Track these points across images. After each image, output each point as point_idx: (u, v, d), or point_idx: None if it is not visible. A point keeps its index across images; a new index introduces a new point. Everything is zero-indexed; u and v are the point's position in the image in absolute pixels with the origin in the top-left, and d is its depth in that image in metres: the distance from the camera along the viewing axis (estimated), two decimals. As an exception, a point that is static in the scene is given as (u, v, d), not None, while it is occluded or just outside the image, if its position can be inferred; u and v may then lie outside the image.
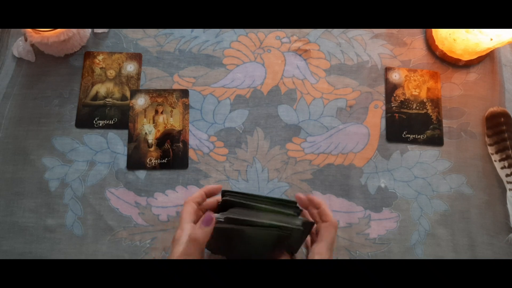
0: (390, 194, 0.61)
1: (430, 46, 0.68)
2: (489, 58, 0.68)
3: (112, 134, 0.62)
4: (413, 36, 0.69)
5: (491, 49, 0.64)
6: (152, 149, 0.62)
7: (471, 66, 0.67)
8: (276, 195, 0.61)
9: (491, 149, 0.63)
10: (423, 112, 0.65)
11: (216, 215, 0.47)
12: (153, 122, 0.63)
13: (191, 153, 0.62)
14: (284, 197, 0.61)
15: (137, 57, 0.66)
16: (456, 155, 0.63)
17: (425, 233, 0.60)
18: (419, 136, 0.64)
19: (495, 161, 0.63)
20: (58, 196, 0.60)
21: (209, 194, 0.53)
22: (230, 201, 0.50)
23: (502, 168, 0.62)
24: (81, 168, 0.61)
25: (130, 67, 0.65)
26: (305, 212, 0.53)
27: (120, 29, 0.67)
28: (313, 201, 0.51)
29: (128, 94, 0.64)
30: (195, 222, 0.48)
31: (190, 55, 0.66)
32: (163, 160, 0.61)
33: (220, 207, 0.52)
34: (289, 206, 0.50)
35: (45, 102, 0.63)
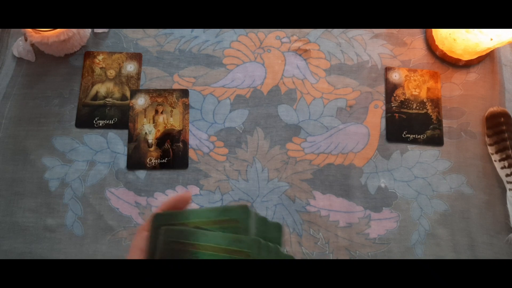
0: (390, 194, 0.61)
1: (430, 46, 0.68)
2: (489, 58, 0.68)
3: (112, 134, 0.62)
4: (413, 36, 0.69)
5: (491, 49, 0.64)
6: (152, 149, 0.62)
7: (471, 66, 0.67)
8: (276, 195, 0.61)
9: (491, 149, 0.63)
10: (423, 112, 0.65)
11: None
12: (153, 122, 0.63)
13: (191, 153, 0.62)
14: (284, 197, 0.61)
15: (137, 57, 0.66)
16: (456, 155, 0.63)
17: (425, 233, 0.60)
18: (419, 136, 0.64)
19: (495, 161, 0.63)
20: (58, 196, 0.60)
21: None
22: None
23: (502, 168, 0.62)
24: (81, 168, 0.61)
25: (130, 67, 0.65)
26: None
27: (120, 29, 0.67)
28: None
29: (128, 94, 0.64)
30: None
31: (190, 55, 0.66)
32: (163, 160, 0.61)
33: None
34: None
35: (45, 102, 0.63)
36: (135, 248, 0.37)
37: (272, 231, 0.38)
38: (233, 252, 0.35)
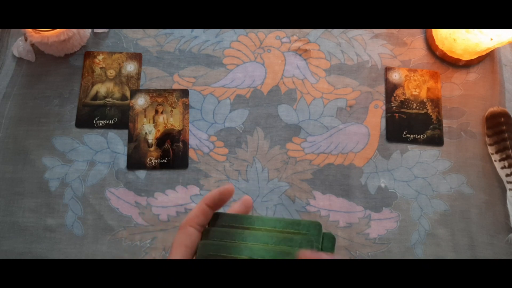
0: (390, 194, 0.61)
1: (430, 46, 0.68)
2: (489, 58, 0.68)
3: (112, 134, 0.63)
4: (413, 36, 0.69)
5: (491, 49, 0.64)
6: (152, 149, 0.62)
7: (471, 66, 0.67)
8: (276, 195, 0.61)
9: (491, 149, 0.63)
10: (423, 112, 0.65)
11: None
12: (153, 122, 0.63)
13: (191, 153, 0.62)
14: (284, 197, 0.61)
15: (137, 57, 0.66)
16: (456, 155, 0.63)
17: (425, 233, 0.60)
18: (419, 136, 0.64)
19: (495, 161, 0.63)
20: (58, 196, 0.60)
21: (214, 204, 0.38)
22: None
23: (502, 168, 0.62)
24: (81, 168, 0.61)
25: (130, 67, 0.65)
26: None
27: (120, 29, 0.67)
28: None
29: (128, 94, 0.64)
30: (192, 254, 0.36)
31: (190, 55, 0.66)
32: (163, 160, 0.61)
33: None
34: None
35: (45, 102, 0.63)
36: (179, 245, 0.35)
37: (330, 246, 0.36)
38: (288, 233, 0.34)
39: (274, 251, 0.33)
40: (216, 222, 0.37)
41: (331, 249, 0.35)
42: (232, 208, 0.39)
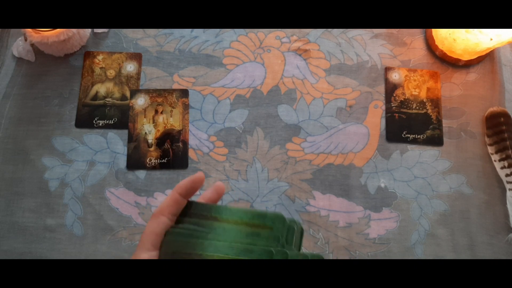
0: (390, 194, 0.61)
1: (430, 46, 0.68)
2: (489, 58, 0.68)
3: (112, 134, 0.63)
4: (413, 36, 0.69)
5: (491, 49, 0.65)
6: (152, 149, 0.62)
7: (471, 66, 0.67)
8: (276, 195, 0.61)
9: (491, 149, 0.63)
10: (423, 112, 0.65)
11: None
12: (153, 122, 0.63)
13: (191, 153, 0.62)
14: (283, 197, 0.61)
15: (137, 57, 0.66)
16: (456, 155, 0.63)
17: (425, 233, 0.60)
18: (419, 136, 0.64)
19: (495, 161, 0.63)
20: (58, 196, 0.60)
21: (187, 193, 0.38)
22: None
23: (502, 168, 0.62)
24: (81, 168, 0.61)
25: (130, 67, 0.65)
26: None
27: (120, 29, 0.67)
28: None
29: (128, 94, 0.64)
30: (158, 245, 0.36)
31: (190, 55, 0.66)
32: (163, 160, 0.61)
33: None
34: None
35: (45, 102, 0.63)
36: (150, 233, 0.36)
37: (297, 237, 0.37)
38: (255, 227, 0.35)
39: (238, 248, 0.34)
40: (187, 211, 0.38)
41: (298, 243, 0.36)
42: (204, 194, 0.40)
